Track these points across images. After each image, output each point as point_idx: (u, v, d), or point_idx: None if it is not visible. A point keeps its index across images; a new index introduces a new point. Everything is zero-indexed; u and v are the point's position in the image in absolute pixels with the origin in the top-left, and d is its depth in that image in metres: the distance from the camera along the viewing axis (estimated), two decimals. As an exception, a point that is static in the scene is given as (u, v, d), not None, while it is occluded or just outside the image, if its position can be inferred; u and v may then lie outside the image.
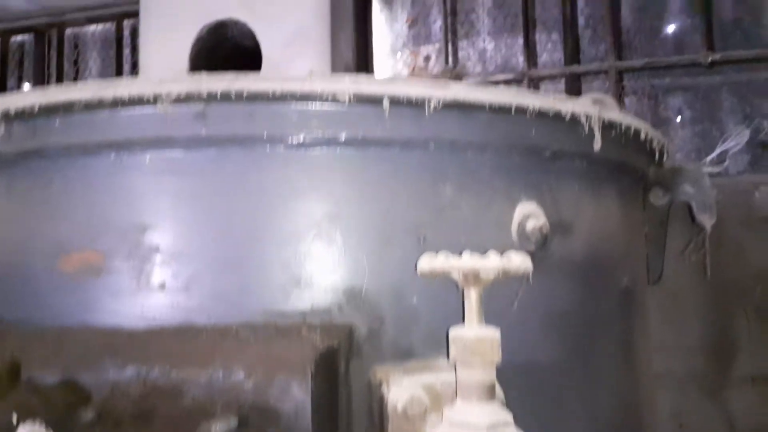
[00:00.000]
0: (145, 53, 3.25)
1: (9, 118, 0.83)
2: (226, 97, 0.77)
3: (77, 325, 0.82)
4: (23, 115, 0.82)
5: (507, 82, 3.40)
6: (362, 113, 0.80)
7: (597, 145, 0.89)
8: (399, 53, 3.61)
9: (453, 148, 0.84)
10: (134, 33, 3.78)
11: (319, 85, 0.78)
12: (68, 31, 3.87)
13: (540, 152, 0.90)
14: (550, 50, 3.42)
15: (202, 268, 0.79)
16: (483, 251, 0.85)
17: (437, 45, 3.50)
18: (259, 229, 0.80)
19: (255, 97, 0.78)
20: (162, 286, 0.79)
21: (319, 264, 0.80)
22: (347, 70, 3.31)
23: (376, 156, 0.82)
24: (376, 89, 0.79)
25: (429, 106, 0.79)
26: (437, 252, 0.82)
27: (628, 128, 0.96)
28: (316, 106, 0.79)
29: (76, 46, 3.89)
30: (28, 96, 0.82)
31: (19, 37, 3.94)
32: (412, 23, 3.62)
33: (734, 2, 3.21)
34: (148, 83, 0.79)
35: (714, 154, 2.96)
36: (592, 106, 0.90)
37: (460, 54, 3.55)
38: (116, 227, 0.82)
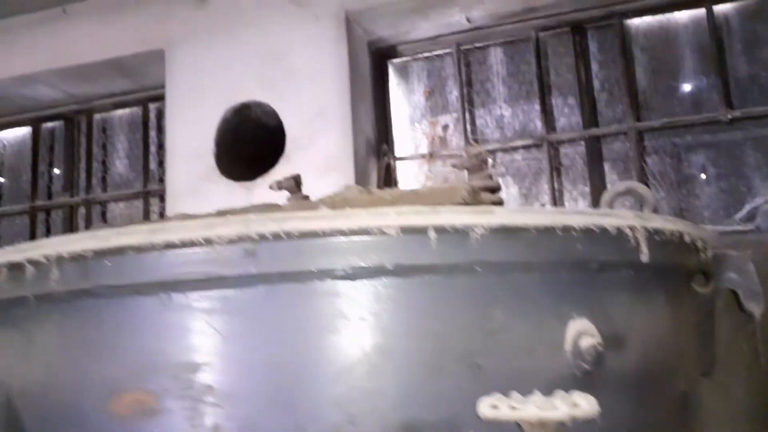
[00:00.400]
0: (172, 135, 3.36)
1: (62, 260, 0.85)
2: (275, 236, 0.79)
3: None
4: (77, 259, 0.84)
5: (526, 147, 3.44)
6: (408, 243, 0.80)
7: (645, 257, 0.89)
8: (417, 124, 3.67)
9: (499, 270, 0.84)
10: (160, 115, 3.91)
11: (366, 221, 0.78)
12: (96, 117, 4.02)
13: (586, 266, 0.89)
14: (567, 114, 3.46)
15: (256, 409, 0.79)
16: (538, 375, 0.83)
17: (455, 114, 3.56)
18: (311, 366, 0.80)
19: (304, 235, 0.79)
20: (216, 428, 0.78)
21: (372, 399, 0.79)
22: (368, 144, 3.37)
23: (422, 283, 0.82)
24: (421, 221, 0.79)
25: (475, 234, 0.80)
26: (492, 380, 0.81)
27: (672, 233, 0.96)
28: (363, 239, 0.80)
29: (104, 130, 4.03)
30: (82, 241, 0.84)
31: (49, 124, 4.09)
32: (429, 95, 3.70)
33: (748, 59, 3.24)
34: (197, 225, 0.80)
35: (743, 212, 2.93)
36: (635, 218, 0.90)
37: (478, 122, 3.60)
38: (167, 367, 0.82)
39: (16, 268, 0.90)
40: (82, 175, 3.96)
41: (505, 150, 3.37)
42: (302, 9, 3.30)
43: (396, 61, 3.68)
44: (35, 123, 4.06)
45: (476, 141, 3.43)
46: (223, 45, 3.37)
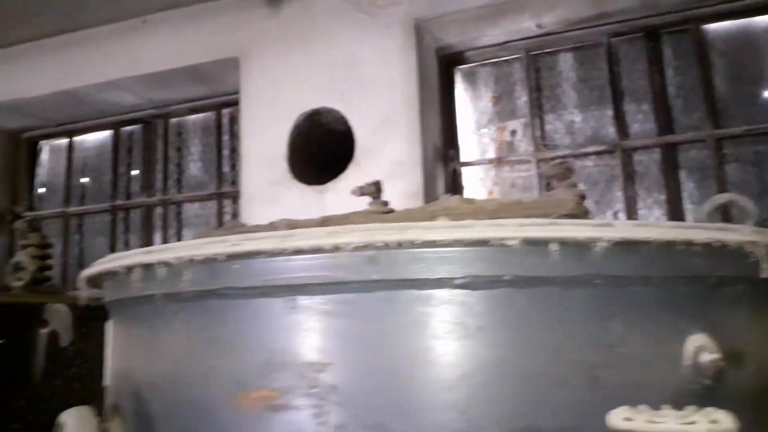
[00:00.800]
0: (246, 141, 3.46)
1: (193, 263, 0.91)
2: (397, 245, 0.82)
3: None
4: (208, 261, 0.90)
5: (598, 154, 3.38)
6: (528, 255, 0.82)
7: (765, 272, 0.87)
8: (484, 129, 3.67)
9: (618, 283, 0.84)
10: (232, 120, 4.04)
11: (486, 233, 0.80)
12: (172, 121, 4.18)
13: (705, 280, 0.88)
14: (640, 120, 3.39)
15: (379, 410, 0.82)
16: (656, 388, 0.83)
17: (523, 120, 3.54)
18: (431, 372, 0.82)
19: (425, 244, 0.82)
20: (342, 427, 0.82)
21: (492, 406, 0.81)
22: (435, 151, 3.39)
23: (541, 295, 0.83)
24: (543, 233, 0.81)
25: (596, 247, 0.81)
26: (611, 392, 0.81)
27: (790, 248, 0.94)
28: (483, 250, 0.82)
29: (179, 134, 4.19)
30: (213, 245, 0.89)
31: (128, 128, 4.29)
32: (497, 100, 3.69)
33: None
34: (323, 233, 0.84)
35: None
36: (755, 233, 0.89)
37: (547, 127, 3.57)
38: (293, 366, 0.86)
39: (148, 268, 0.96)
40: (159, 176, 4.13)
41: (576, 156, 3.32)
42: (372, 18, 3.35)
43: (463, 67, 3.68)
44: (116, 127, 4.26)
45: (546, 146, 3.40)
46: (295, 53, 3.45)
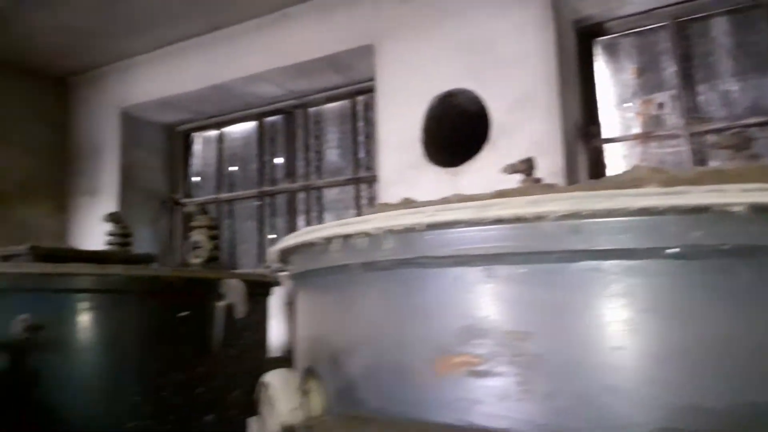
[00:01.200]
0: (382, 126, 3.55)
1: (392, 233, 0.96)
2: (607, 213, 0.81)
3: (455, 424, 0.89)
4: (406, 231, 0.94)
5: (760, 125, 3.10)
6: (753, 223, 0.77)
7: None
8: (627, 104, 3.48)
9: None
10: (366, 107, 4.15)
11: (706, 198, 0.77)
12: (311, 110, 4.38)
13: None
14: (812, 87, 3.05)
15: (586, 383, 0.82)
16: None
17: (671, 92, 3.32)
18: (642, 346, 0.81)
19: (637, 212, 0.80)
20: (549, 396, 0.83)
21: (711, 384, 0.78)
22: (576, 128, 3.27)
23: (766, 265, 0.79)
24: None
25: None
26: None
27: None
28: (701, 217, 0.78)
29: (317, 123, 4.38)
30: (412, 216, 0.93)
31: (271, 118, 4.55)
32: (640, 72, 3.48)
33: None
34: (524, 202, 0.85)
35: None
36: None
37: (699, 99, 3.32)
38: (494, 333, 0.88)
39: (349, 238, 1.03)
40: (301, 163, 4.35)
41: (734, 128, 3.06)
42: (507, -6, 3.28)
43: (603, 38, 3.51)
44: (259, 117, 4.55)
45: (698, 119, 3.16)
46: (428, 36, 3.48)
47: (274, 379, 1.13)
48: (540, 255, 0.86)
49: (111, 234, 2.55)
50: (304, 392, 1.11)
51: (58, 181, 4.69)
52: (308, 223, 4.24)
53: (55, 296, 1.86)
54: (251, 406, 2.28)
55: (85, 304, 1.88)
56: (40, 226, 4.40)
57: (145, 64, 4.48)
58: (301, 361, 1.26)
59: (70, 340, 1.88)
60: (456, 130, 3.56)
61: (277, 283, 2.56)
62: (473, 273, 0.91)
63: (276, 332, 3.37)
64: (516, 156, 3.11)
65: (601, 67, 3.56)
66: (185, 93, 4.33)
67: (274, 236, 4.38)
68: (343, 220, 1.06)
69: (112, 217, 2.53)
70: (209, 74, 4.18)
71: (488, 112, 3.30)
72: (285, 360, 2.79)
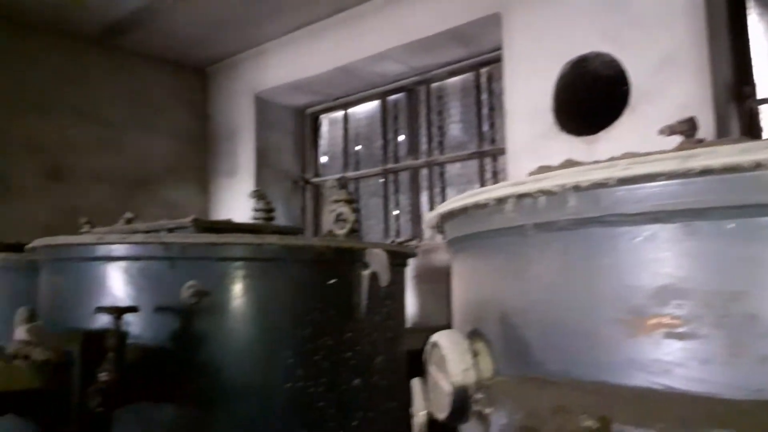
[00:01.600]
0: (510, 96, 3.46)
1: (577, 189, 0.92)
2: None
3: (649, 387, 0.85)
4: (593, 187, 0.90)
5: None
6: None
7: None
8: (789, 59, 3.13)
9: None
10: (490, 79, 4.07)
11: None
12: (433, 86, 4.37)
13: None
14: None
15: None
16: None
17: None
18: None
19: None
20: (764, 360, 0.77)
21: None
22: (727, 89, 3.00)
23: None
24: None
25: None
26: None
27: None
28: None
29: (439, 98, 4.36)
30: (602, 170, 0.89)
31: (393, 97, 4.60)
32: (806, 22, 3.11)
33: None
34: (737, 150, 0.78)
35: None
36: None
37: None
38: (696, 293, 0.82)
39: (524, 197, 1.01)
40: (423, 139, 4.37)
41: None
42: (647, -53, 3.05)
43: (758, -11, 3.17)
44: (382, 96, 4.61)
45: None
46: (559, 1, 3.33)
47: (443, 340, 1.14)
48: (754, 208, 0.79)
49: (256, 210, 2.70)
50: (474, 354, 1.12)
51: (200, 163, 5.06)
52: (431, 199, 4.25)
53: (217, 264, 2.00)
54: (394, 373, 2.34)
55: (243, 272, 2.01)
56: (186, 205, 4.78)
57: (276, 50, 4.69)
58: (464, 325, 1.26)
59: (230, 306, 2.01)
60: (590, 96, 3.40)
61: (413, 255, 2.60)
62: (671, 230, 0.86)
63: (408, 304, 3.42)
64: (659, 121, 2.92)
65: (754, 21, 3.23)
66: (313, 76, 4.48)
67: (398, 212, 4.44)
68: (517, 180, 1.04)
69: (257, 194, 2.68)
70: (335, 56, 4.29)
71: (627, 76, 3.12)
72: (420, 330, 2.83)
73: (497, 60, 3.75)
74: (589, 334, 0.94)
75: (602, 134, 3.15)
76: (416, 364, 2.06)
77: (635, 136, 2.99)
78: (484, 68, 4.07)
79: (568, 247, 0.98)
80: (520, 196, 1.01)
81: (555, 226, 0.98)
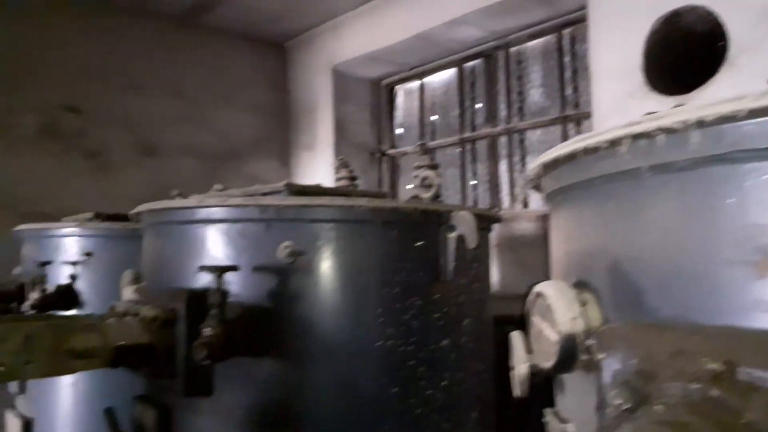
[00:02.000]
0: (596, 56, 3.33)
1: (703, 125, 0.88)
2: None
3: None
4: (720, 122, 0.86)
5: None
6: None
7: None
8: None
9: None
10: (573, 41, 3.92)
11: None
12: (512, 50, 4.26)
13: None
14: None
15: None
16: None
17: None
18: None
19: None
20: None
21: None
22: (842, 35, 2.76)
23: None
24: None
25: None
26: None
27: None
28: None
29: (519, 62, 4.26)
30: (730, 103, 0.85)
31: (470, 63, 4.52)
32: None
33: None
34: None
35: None
36: None
37: None
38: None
39: (640, 138, 0.97)
40: (501, 106, 4.29)
41: None
42: None
43: None
44: (459, 64, 4.54)
45: None
46: (649, -49, 3.15)
47: (549, 289, 1.12)
48: None
49: (340, 178, 2.75)
50: (582, 302, 1.10)
51: (281, 137, 5.19)
52: (510, 168, 4.18)
53: (310, 226, 2.05)
54: (481, 336, 2.35)
55: (334, 233, 2.05)
56: (268, 178, 4.93)
57: (351, 21, 4.71)
58: (567, 276, 1.24)
59: (322, 265, 2.07)
60: (682, 53, 3.22)
61: (498, 219, 2.57)
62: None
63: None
64: (759, 77, 2.75)
65: None
66: (389, 46, 4.47)
67: (475, 182, 4.40)
68: (631, 121, 1.00)
69: (341, 162, 2.73)
70: (411, 24, 4.26)
71: (725, 30, 2.92)
72: (505, 297, 2.82)
73: (581, 20, 3.61)
74: (711, 277, 0.90)
75: (696, 93, 2.98)
76: (501, 329, 2.05)
77: (734, 92, 2.81)
78: (567, 29, 3.92)
79: (687, 189, 0.94)
80: (636, 137, 0.98)
81: (674, 167, 0.95)
